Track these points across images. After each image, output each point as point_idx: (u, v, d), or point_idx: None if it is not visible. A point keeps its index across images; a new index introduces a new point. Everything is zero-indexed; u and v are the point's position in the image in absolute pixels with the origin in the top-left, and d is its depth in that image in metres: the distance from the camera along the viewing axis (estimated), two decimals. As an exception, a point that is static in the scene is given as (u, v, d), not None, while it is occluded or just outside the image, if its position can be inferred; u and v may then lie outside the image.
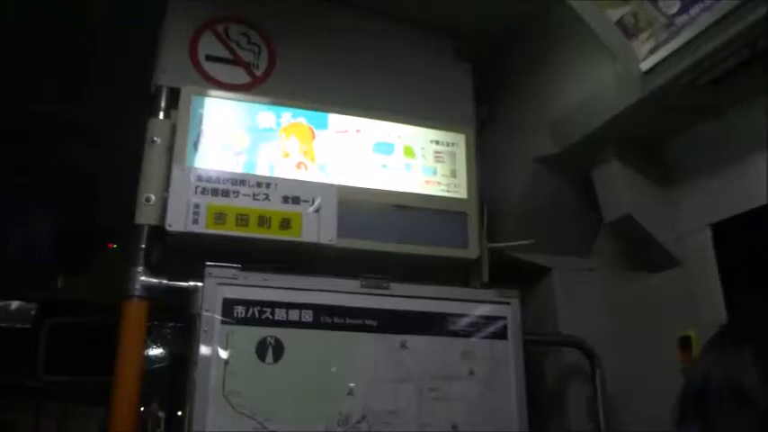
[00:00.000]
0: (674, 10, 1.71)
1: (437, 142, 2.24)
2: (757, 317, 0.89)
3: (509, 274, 2.30)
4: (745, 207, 1.85)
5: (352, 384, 1.89)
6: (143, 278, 1.82)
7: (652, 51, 1.79)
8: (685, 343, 1.94)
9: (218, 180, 1.92)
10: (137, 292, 1.81)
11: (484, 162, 2.33)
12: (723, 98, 1.88)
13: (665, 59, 1.76)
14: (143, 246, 1.86)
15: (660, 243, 2.08)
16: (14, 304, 3.83)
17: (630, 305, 2.27)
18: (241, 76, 2.14)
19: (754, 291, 1.80)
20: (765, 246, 1.72)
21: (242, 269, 1.87)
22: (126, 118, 2.22)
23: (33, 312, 3.82)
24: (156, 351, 4.79)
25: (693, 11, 1.67)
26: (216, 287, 1.83)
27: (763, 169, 1.77)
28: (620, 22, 1.86)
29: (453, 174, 2.22)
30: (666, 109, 1.94)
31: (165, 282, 1.84)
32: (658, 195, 2.15)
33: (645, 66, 1.82)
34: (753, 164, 1.83)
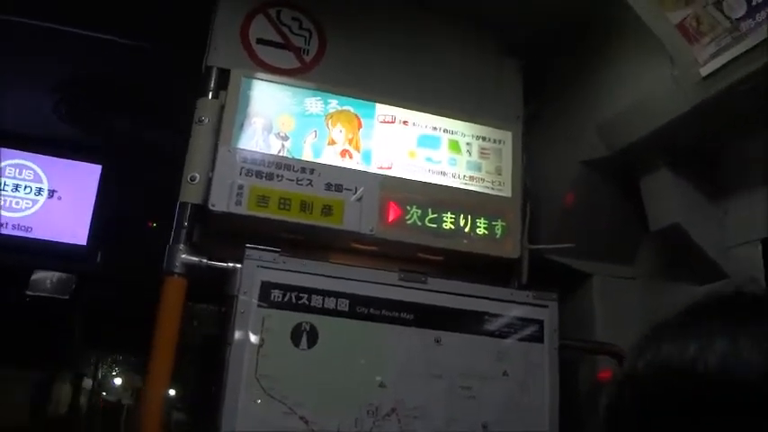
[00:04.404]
0: (740, 14, 1.66)
1: (483, 138, 2.21)
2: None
3: (547, 277, 2.26)
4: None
5: (383, 377, 1.87)
6: (184, 256, 1.84)
7: (713, 56, 1.74)
8: (727, 359, 1.88)
9: (262, 163, 1.93)
10: (177, 270, 1.83)
11: (530, 161, 2.29)
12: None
13: (726, 65, 1.71)
14: (185, 224, 1.88)
15: (707, 255, 2.02)
16: (55, 276, 3.90)
17: (672, 317, 2.21)
18: (291, 61, 2.14)
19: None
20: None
21: (281, 253, 1.87)
22: (173, 96, 2.25)
23: (73, 285, 3.89)
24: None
25: (760, 15, 1.61)
26: (255, 269, 1.83)
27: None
28: (681, 25, 1.81)
29: (498, 171, 2.19)
30: (722, 117, 1.89)
31: (205, 261, 1.85)
32: (707, 206, 2.09)
33: (705, 71, 1.76)
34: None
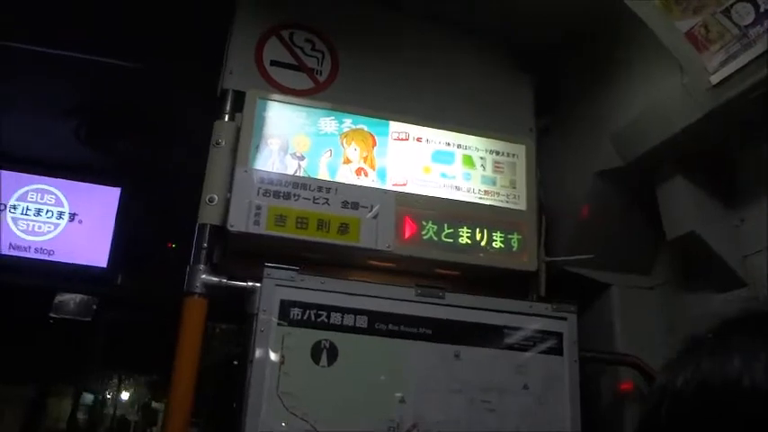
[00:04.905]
0: (749, 21, 1.66)
1: (497, 152, 2.23)
2: None
3: (566, 288, 2.25)
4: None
5: (404, 392, 1.88)
6: (204, 276, 1.86)
7: (723, 64, 1.75)
8: (749, 367, 1.86)
9: (279, 183, 1.96)
10: (197, 290, 1.85)
11: (544, 174, 2.30)
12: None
13: (736, 72, 1.71)
14: (205, 245, 1.90)
15: (725, 262, 2.01)
16: (77, 298, 3.95)
17: (692, 325, 2.18)
18: (304, 82, 2.18)
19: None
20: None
21: (300, 272, 1.89)
22: (190, 119, 2.29)
23: (95, 307, 3.93)
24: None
25: (768, 22, 1.62)
26: (274, 288, 1.85)
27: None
28: (690, 34, 1.82)
29: (513, 184, 2.20)
30: (735, 124, 1.89)
31: (225, 281, 1.88)
32: (724, 213, 2.08)
33: (715, 79, 1.77)
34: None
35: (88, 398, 7.57)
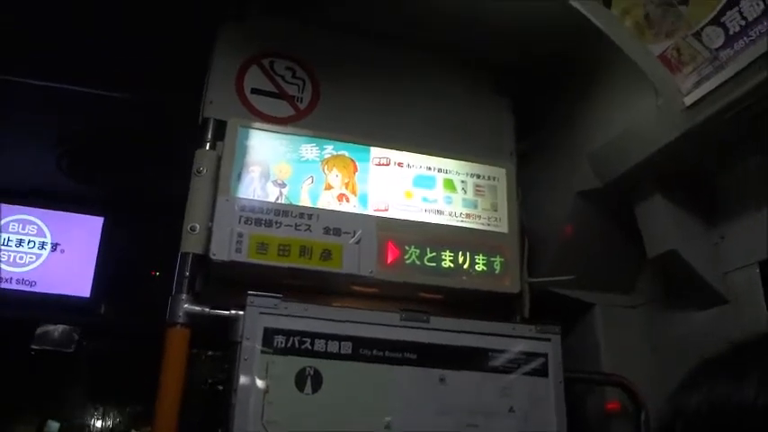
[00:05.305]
0: (719, 44, 1.70)
1: (478, 176, 2.25)
2: None
3: (550, 309, 2.26)
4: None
5: (389, 418, 1.87)
6: (186, 306, 1.85)
7: (696, 85, 1.78)
8: (733, 384, 1.87)
9: (261, 210, 1.96)
10: (180, 320, 1.84)
11: (525, 196, 2.32)
12: (769, 132, 1.85)
13: (709, 93, 1.74)
14: (187, 274, 1.90)
15: (705, 280, 2.03)
16: (59, 329, 3.90)
17: (675, 344, 2.21)
18: (285, 110, 2.19)
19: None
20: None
21: (283, 299, 1.88)
22: (174, 148, 2.29)
23: (77, 337, 3.89)
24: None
25: (738, 45, 1.66)
26: (257, 316, 1.84)
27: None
28: (663, 56, 1.85)
29: (494, 207, 2.22)
30: (711, 143, 1.92)
31: (207, 310, 1.87)
32: (704, 231, 2.10)
33: (688, 100, 1.80)
34: (802, 199, 1.79)
35: (55, 427, 7.38)
